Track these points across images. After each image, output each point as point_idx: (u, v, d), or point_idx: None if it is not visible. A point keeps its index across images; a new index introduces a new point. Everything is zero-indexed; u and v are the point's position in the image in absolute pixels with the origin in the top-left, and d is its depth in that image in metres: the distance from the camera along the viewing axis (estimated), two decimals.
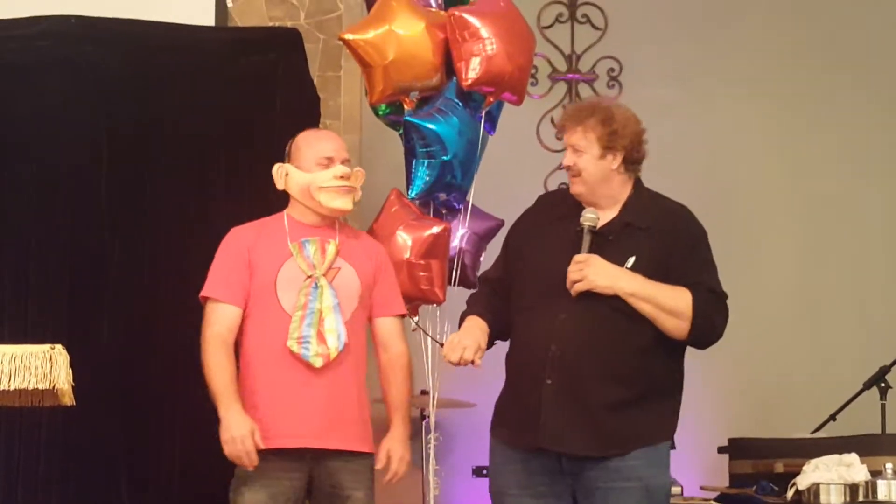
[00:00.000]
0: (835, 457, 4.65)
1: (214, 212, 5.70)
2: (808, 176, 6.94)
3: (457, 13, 4.92)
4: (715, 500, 4.95)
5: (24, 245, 5.47)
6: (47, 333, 4.10)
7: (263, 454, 4.12)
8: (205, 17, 6.07)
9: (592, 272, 3.84)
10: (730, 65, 6.99)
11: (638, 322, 3.86)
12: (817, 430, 5.62)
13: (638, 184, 4.05)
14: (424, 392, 5.07)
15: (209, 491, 5.41)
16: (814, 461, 4.65)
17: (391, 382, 4.32)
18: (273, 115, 5.87)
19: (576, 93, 7.02)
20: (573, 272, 3.86)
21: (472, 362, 3.92)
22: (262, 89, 5.88)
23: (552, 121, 6.94)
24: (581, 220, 3.93)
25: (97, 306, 5.57)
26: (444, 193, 4.94)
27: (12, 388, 3.47)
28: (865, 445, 4.79)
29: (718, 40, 7.01)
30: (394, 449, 4.22)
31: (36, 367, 3.49)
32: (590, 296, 3.85)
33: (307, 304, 4.18)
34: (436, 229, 4.80)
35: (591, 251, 3.88)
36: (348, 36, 5.01)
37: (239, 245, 4.29)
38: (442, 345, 4.17)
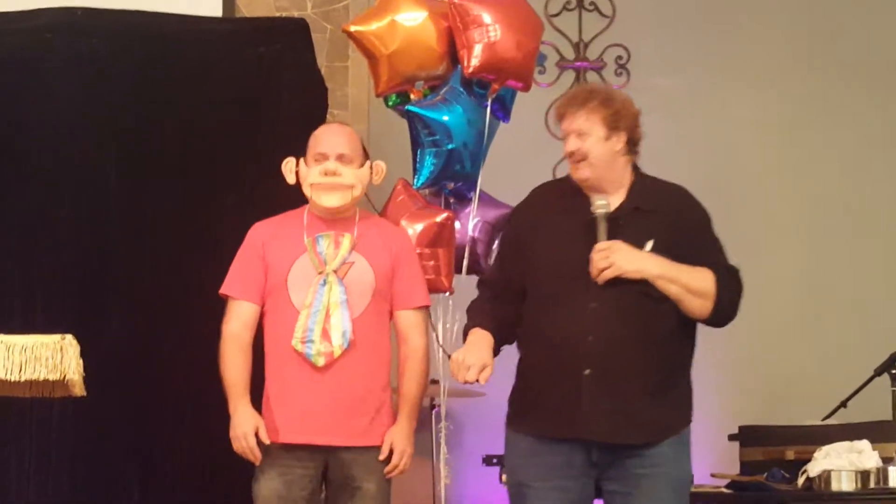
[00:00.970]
0: (846, 444, 4.64)
1: (222, 204, 5.70)
2: (813, 167, 6.93)
3: (458, 1, 4.91)
4: (726, 487, 4.95)
5: (33, 237, 5.47)
6: (57, 326, 4.09)
7: (276, 446, 4.17)
8: (212, 7, 6.07)
9: (619, 258, 3.82)
10: (738, 54, 6.98)
11: (664, 305, 3.86)
12: (828, 417, 5.60)
13: (637, 168, 4.04)
14: (434, 381, 5.07)
15: (220, 482, 5.42)
16: (825, 448, 4.64)
17: (404, 375, 4.32)
18: (280, 106, 5.86)
19: (584, 81, 7.00)
20: (599, 260, 3.83)
21: (477, 380, 3.92)
22: (270, 80, 5.88)
23: None
24: (593, 207, 3.90)
25: (106, 298, 5.57)
26: (452, 182, 4.93)
27: (23, 378, 3.49)
28: (876, 432, 4.78)
29: (726, 30, 6.99)
30: (396, 442, 4.22)
31: (46, 358, 3.50)
32: (616, 283, 3.83)
33: (314, 302, 4.19)
34: (439, 218, 4.79)
35: (610, 237, 3.86)
36: (352, 28, 5.02)
37: (255, 241, 4.31)
38: (449, 355, 4.15)
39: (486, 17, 4.86)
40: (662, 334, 3.87)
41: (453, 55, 4.95)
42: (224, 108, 5.80)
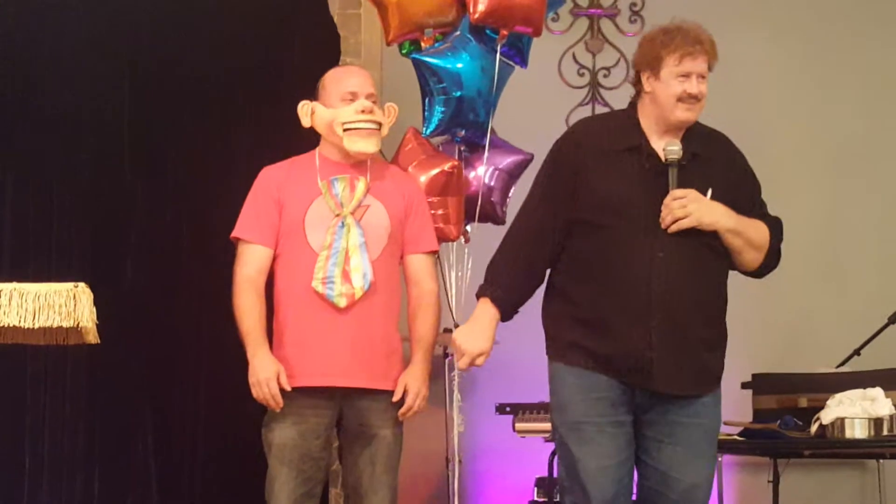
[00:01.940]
0: (859, 391, 4.63)
1: (236, 151, 5.71)
2: (833, 111, 6.88)
3: None
4: (738, 435, 4.95)
5: (47, 185, 5.48)
6: (71, 274, 4.10)
7: (292, 392, 4.14)
8: None
9: (697, 208, 3.77)
10: (753, 3, 6.91)
11: (720, 257, 3.84)
12: (841, 364, 5.60)
13: None
14: (448, 330, 5.07)
15: (234, 430, 5.45)
16: (838, 395, 4.63)
17: (417, 319, 4.31)
18: (293, 53, 5.85)
19: (598, 28, 6.96)
20: (677, 208, 3.76)
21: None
22: (282, 27, 5.86)
23: (574, 57, 6.90)
24: (666, 153, 3.82)
25: (120, 246, 5.59)
26: (463, 130, 4.91)
27: (37, 326, 3.49)
28: (890, 380, 4.76)
29: None
30: (410, 384, 4.20)
31: (60, 306, 3.50)
32: (683, 232, 3.77)
33: (333, 244, 4.17)
34: (447, 166, 4.77)
35: (677, 185, 3.80)
36: None
37: (268, 185, 4.27)
38: (454, 326, 4.12)
39: None
40: (717, 287, 3.86)
41: (463, 2, 4.91)
42: (237, 55, 5.79)
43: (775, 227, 3.95)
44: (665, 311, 3.75)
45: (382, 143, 4.40)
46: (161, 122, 5.66)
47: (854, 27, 6.90)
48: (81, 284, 3.55)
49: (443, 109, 4.83)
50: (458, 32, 4.86)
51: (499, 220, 5.03)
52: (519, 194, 5.21)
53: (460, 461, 5.27)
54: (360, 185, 4.23)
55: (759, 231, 3.89)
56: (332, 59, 5.80)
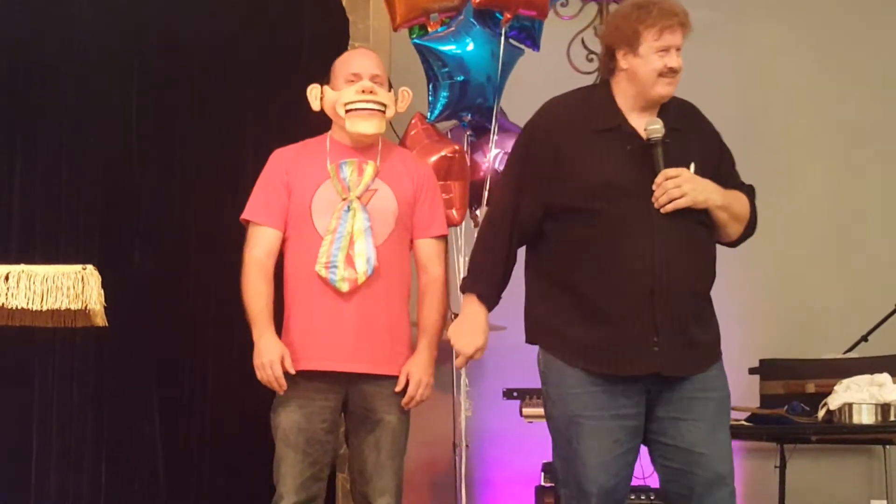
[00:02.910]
0: (866, 376, 4.63)
1: (244, 135, 5.72)
2: (842, 99, 6.87)
3: None
4: (746, 420, 4.95)
5: (56, 169, 5.49)
6: (78, 257, 4.11)
7: (298, 376, 4.13)
8: None
9: (691, 188, 3.71)
10: None
11: (708, 232, 3.80)
12: (849, 350, 5.60)
13: None
14: (456, 314, 5.07)
15: (241, 413, 5.47)
16: (845, 381, 4.63)
17: (423, 306, 4.30)
18: (301, 37, 5.85)
19: (607, 14, 6.93)
20: (672, 189, 3.69)
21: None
22: (291, 12, 5.86)
23: (583, 42, 6.88)
24: (648, 132, 3.75)
25: (128, 230, 5.60)
26: (469, 114, 4.90)
27: (45, 308, 3.50)
28: None
29: None
30: (413, 373, 4.19)
31: (68, 288, 3.51)
32: (678, 212, 3.70)
33: (338, 228, 4.16)
34: (448, 151, 4.76)
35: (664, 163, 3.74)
36: None
37: (278, 167, 4.26)
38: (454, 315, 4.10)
39: None
40: (708, 263, 3.82)
41: None
42: (245, 40, 5.80)
43: (751, 195, 3.91)
44: (669, 295, 3.70)
45: (393, 130, 4.38)
46: (170, 108, 5.67)
47: (868, 9, 6.88)
48: (90, 267, 3.56)
49: (447, 94, 4.83)
50: (462, 17, 4.86)
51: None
52: None
53: (467, 446, 5.26)
54: (369, 169, 4.22)
55: (741, 203, 3.85)
56: (340, 44, 5.79)
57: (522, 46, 5.02)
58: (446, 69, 4.80)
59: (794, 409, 4.80)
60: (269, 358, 4.10)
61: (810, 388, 4.97)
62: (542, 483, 5.78)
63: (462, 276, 4.71)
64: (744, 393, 5.56)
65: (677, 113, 3.85)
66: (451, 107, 4.85)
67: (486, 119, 4.89)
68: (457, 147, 4.80)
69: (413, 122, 4.88)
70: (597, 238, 3.73)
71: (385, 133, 4.35)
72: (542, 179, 3.80)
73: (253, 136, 5.65)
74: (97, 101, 5.59)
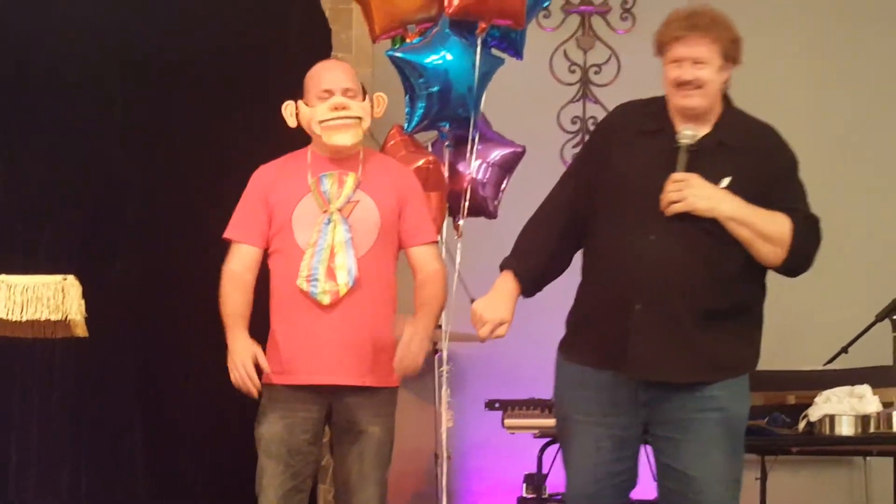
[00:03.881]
0: (846, 388, 4.64)
1: (230, 145, 5.72)
2: (824, 108, 6.88)
3: None
4: None
5: (40, 177, 5.48)
6: (60, 267, 4.09)
7: (282, 389, 4.14)
8: None
9: (693, 193, 3.67)
10: None
11: (729, 246, 3.71)
12: (829, 362, 5.61)
13: (728, 100, 3.89)
14: (437, 326, 5.08)
15: (223, 424, 5.46)
16: (825, 393, 4.64)
17: (424, 289, 4.26)
18: (285, 48, 5.85)
19: (589, 25, 6.96)
20: (672, 192, 3.67)
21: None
22: (275, 21, 5.87)
23: (565, 53, 6.89)
24: (679, 137, 3.74)
25: (110, 240, 5.59)
26: (447, 125, 4.90)
27: (25, 318, 3.49)
28: (877, 377, 4.77)
29: None
30: (408, 330, 4.12)
31: (48, 298, 3.50)
32: (683, 217, 3.67)
33: (318, 241, 4.16)
34: (422, 162, 4.77)
35: (686, 170, 3.70)
36: None
37: (259, 185, 4.28)
38: (472, 299, 4.04)
39: None
40: (724, 274, 3.72)
41: None
42: (230, 49, 5.80)
43: (806, 224, 3.81)
44: (649, 295, 3.67)
45: (375, 141, 4.37)
46: (154, 118, 5.67)
47: (853, 19, 6.89)
48: (70, 277, 3.56)
49: (424, 105, 4.83)
50: (438, 28, 4.86)
51: (490, 215, 5.03)
52: (513, 188, 5.23)
53: (449, 457, 5.26)
54: (349, 181, 4.22)
55: (774, 223, 3.75)
56: (323, 53, 5.80)
57: (504, 55, 5.02)
58: (422, 80, 4.81)
59: (774, 420, 4.80)
60: (241, 357, 4.09)
61: (791, 399, 4.97)
62: (524, 494, 5.77)
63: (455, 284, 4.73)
64: None
65: (740, 129, 3.82)
66: (427, 117, 4.86)
67: (466, 129, 4.88)
68: (431, 158, 4.81)
69: (391, 132, 4.89)
70: (602, 233, 3.77)
71: (365, 141, 4.35)
72: (590, 166, 3.86)
73: (238, 146, 5.65)
74: (79, 112, 5.58)
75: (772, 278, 6.18)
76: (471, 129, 4.86)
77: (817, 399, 4.65)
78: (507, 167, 5.06)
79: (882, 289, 5.78)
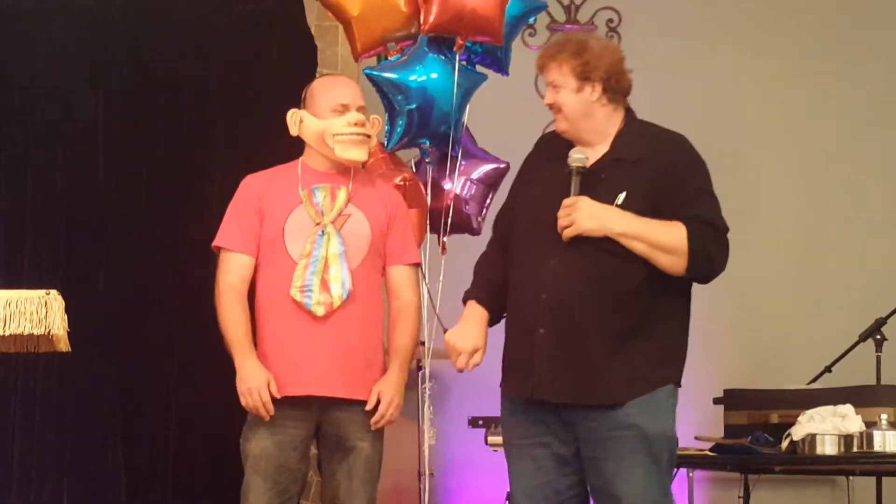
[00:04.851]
0: (829, 408, 4.64)
1: (211, 160, 5.71)
2: (806, 130, 6.92)
3: None
4: (710, 450, 4.95)
5: (21, 191, 5.47)
6: (43, 281, 4.08)
7: (273, 400, 4.11)
8: None
9: (580, 215, 3.72)
10: (729, 18, 6.95)
11: (631, 262, 3.73)
12: (813, 381, 5.62)
13: (629, 115, 3.91)
14: (420, 342, 5.07)
15: (205, 438, 5.44)
16: (809, 412, 4.64)
17: (396, 329, 4.29)
18: (270, 64, 5.86)
19: None
20: (562, 217, 3.74)
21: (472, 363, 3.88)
22: (259, 37, 5.87)
23: None
24: (568, 161, 3.79)
25: (93, 254, 5.58)
26: (427, 141, 4.90)
27: (7, 333, 3.46)
28: (860, 396, 4.78)
29: None
30: (384, 391, 4.17)
31: (31, 313, 3.48)
32: (581, 240, 3.72)
33: (312, 252, 4.16)
34: (398, 179, 4.78)
35: (583, 191, 3.75)
36: None
37: (250, 193, 4.26)
38: (445, 329, 4.07)
39: None
40: (627, 291, 3.73)
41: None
42: (214, 64, 5.80)
43: (702, 229, 3.77)
44: (554, 319, 3.72)
45: None
46: (136, 132, 5.66)
47: (827, 34, 6.94)
48: (53, 291, 3.54)
49: (404, 122, 4.84)
50: (417, 45, 4.87)
51: (474, 231, 5.03)
52: (498, 205, 5.23)
53: (432, 474, 5.26)
54: (341, 194, 4.23)
55: (668, 234, 3.74)
56: (308, 70, 5.80)
57: (488, 71, 5.03)
58: (401, 97, 4.82)
59: (757, 439, 4.80)
60: (257, 384, 4.08)
61: (774, 418, 4.98)
62: None
63: (427, 303, 4.73)
64: (708, 423, 5.58)
65: (640, 142, 3.85)
66: (407, 135, 4.86)
67: (444, 146, 4.89)
68: (408, 175, 4.81)
69: (372, 150, 4.90)
70: (512, 264, 3.88)
71: None
72: (513, 199, 4.00)
73: (220, 160, 5.65)
74: (62, 124, 5.57)
75: (752, 297, 6.23)
76: (450, 147, 4.86)
77: (800, 418, 4.66)
78: (491, 183, 5.06)
79: (865, 308, 5.80)
